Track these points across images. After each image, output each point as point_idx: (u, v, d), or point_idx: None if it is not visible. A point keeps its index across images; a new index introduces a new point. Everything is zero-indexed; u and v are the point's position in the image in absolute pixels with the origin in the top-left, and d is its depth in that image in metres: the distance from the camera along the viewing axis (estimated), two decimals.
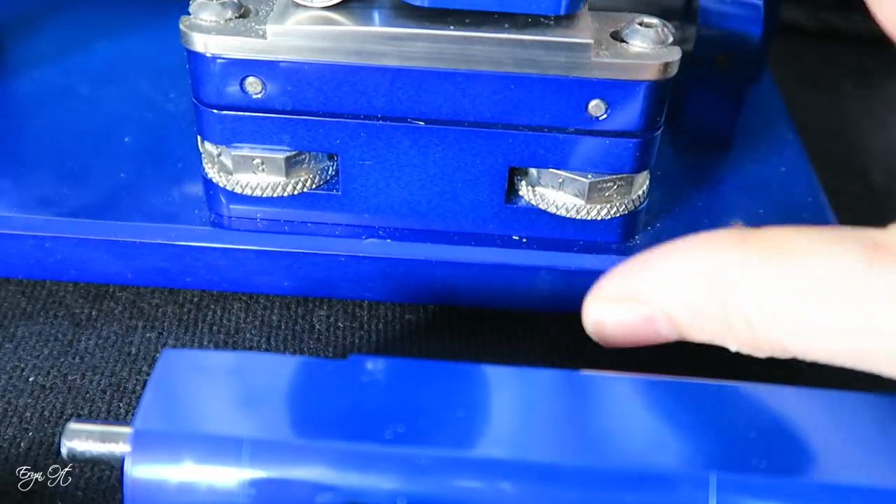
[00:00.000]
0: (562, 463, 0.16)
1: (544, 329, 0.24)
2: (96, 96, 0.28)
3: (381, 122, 0.21)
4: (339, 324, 0.24)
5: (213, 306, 0.24)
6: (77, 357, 0.22)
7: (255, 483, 0.16)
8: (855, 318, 0.16)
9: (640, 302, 0.18)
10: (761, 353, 0.17)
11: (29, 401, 0.21)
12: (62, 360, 0.22)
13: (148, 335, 0.23)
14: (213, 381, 0.18)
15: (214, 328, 0.23)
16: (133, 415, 0.17)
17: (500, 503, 0.16)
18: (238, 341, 0.23)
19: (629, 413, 0.18)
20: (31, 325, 0.23)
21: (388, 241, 0.23)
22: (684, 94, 0.27)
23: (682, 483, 0.16)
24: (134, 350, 0.23)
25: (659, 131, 0.22)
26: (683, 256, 0.18)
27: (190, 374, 0.18)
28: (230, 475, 0.16)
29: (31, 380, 0.22)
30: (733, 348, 0.18)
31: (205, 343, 0.23)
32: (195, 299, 0.24)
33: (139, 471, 0.16)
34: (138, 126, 0.26)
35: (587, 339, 0.24)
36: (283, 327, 0.24)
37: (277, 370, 0.18)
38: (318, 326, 0.24)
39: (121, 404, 0.21)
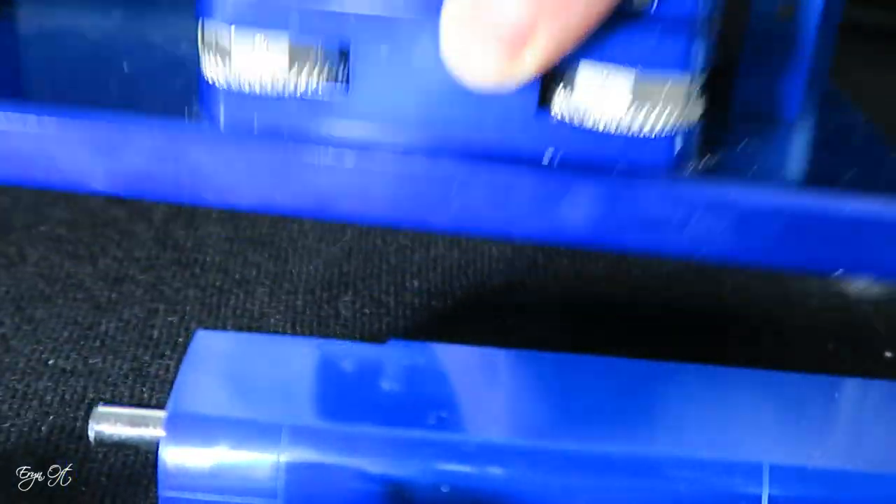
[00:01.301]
0: (610, 450, 0.16)
1: (575, 316, 0.23)
2: None
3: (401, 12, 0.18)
4: (366, 309, 0.23)
5: (235, 290, 0.23)
6: (98, 340, 0.22)
7: (292, 468, 0.16)
8: None
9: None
10: None
11: (49, 384, 0.20)
12: (83, 343, 0.22)
13: (170, 319, 0.22)
14: (248, 363, 0.17)
15: (238, 312, 0.23)
16: (166, 398, 0.17)
17: (547, 491, 0.16)
18: (263, 326, 0.22)
19: (678, 401, 0.17)
20: (49, 307, 0.22)
21: (402, 153, 0.19)
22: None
23: (734, 472, 0.16)
24: (156, 334, 0.22)
25: (713, 23, 0.19)
26: None
27: (223, 355, 0.17)
28: (267, 460, 0.16)
29: (50, 363, 0.21)
30: None
31: (229, 328, 0.22)
32: (217, 283, 0.23)
33: (173, 455, 0.16)
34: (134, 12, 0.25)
35: (621, 325, 0.23)
36: (308, 312, 0.23)
37: (313, 353, 0.17)
38: (343, 312, 0.23)
39: (143, 388, 0.21)
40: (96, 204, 0.25)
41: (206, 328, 0.22)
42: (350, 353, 0.17)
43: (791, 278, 0.25)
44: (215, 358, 0.17)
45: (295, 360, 0.17)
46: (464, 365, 0.17)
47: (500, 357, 0.17)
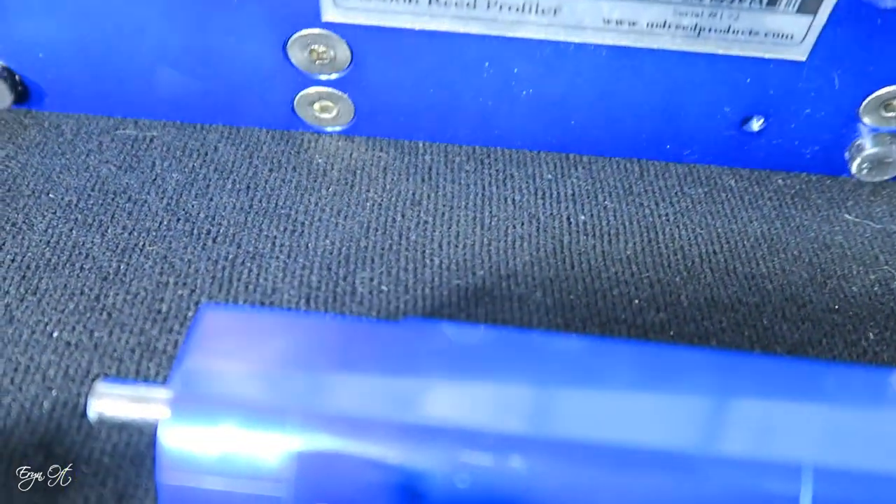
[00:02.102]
0: (641, 445, 0.15)
1: (600, 297, 0.22)
2: None
3: None
4: (383, 287, 0.22)
5: (248, 264, 0.22)
6: (104, 313, 0.21)
7: (300, 457, 0.15)
8: None
9: None
10: None
11: (53, 357, 0.20)
12: (88, 315, 0.21)
13: (180, 292, 0.22)
14: (256, 341, 0.16)
15: (250, 287, 0.22)
16: (167, 376, 0.16)
17: (571, 486, 0.15)
18: (275, 302, 0.22)
19: (713, 392, 0.16)
20: (55, 277, 0.22)
21: None
22: None
23: (773, 473, 0.15)
24: (164, 308, 0.21)
25: None
26: None
27: (230, 332, 0.16)
28: (274, 447, 0.15)
29: (55, 335, 0.20)
30: None
31: (240, 303, 0.21)
32: (230, 256, 0.23)
33: (174, 438, 0.15)
34: None
35: (649, 307, 0.22)
36: (323, 289, 0.22)
37: (324, 330, 0.16)
38: (360, 289, 0.22)
39: (150, 364, 0.20)
40: (108, 171, 0.25)
41: (214, 302, 0.21)
42: (363, 331, 0.16)
43: (829, 262, 0.24)
44: (220, 334, 0.16)
45: (305, 337, 0.16)
46: (482, 347, 0.16)
47: (521, 339, 0.16)
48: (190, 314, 0.21)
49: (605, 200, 0.25)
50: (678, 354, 0.17)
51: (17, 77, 0.25)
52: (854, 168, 0.26)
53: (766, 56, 0.23)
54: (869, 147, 0.25)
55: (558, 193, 0.25)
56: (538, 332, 0.17)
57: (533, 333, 0.17)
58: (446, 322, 0.17)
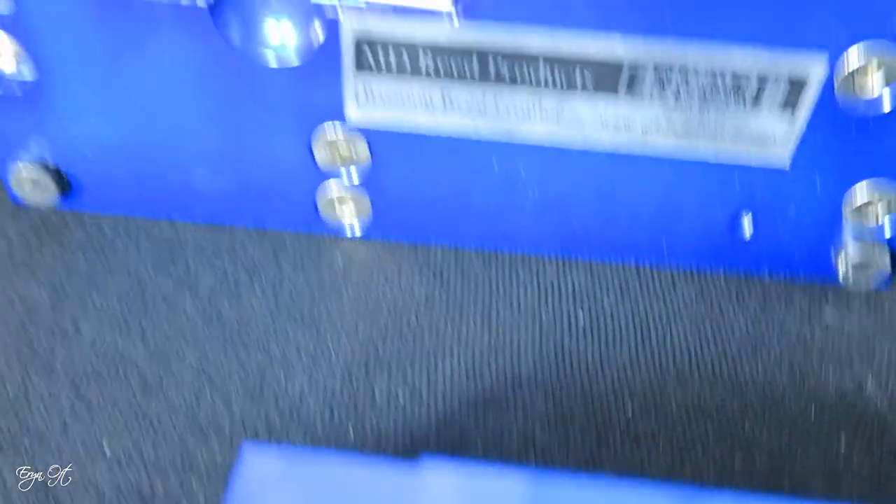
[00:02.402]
0: None
1: (598, 407, 0.25)
2: None
3: None
4: (399, 396, 0.24)
5: (277, 371, 0.25)
6: (149, 425, 0.23)
7: None
8: None
9: None
10: None
11: (104, 472, 0.22)
12: (134, 428, 0.23)
13: (215, 402, 0.24)
14: (296, 484, 0.18)
15: (279, 397, 0.24)
16: (213, 490, 0.18)
17: None
18: (302, 412, 0.24)
19: None
20: (103, 387, 0.24)
21: None
22: None
23: None
24: (202, 418, 0.23)
25: None
26: None
27: (271, 476, 0.19)
28: None
29: (105, 450, 0.22)
30: None
31: (270, 414, 0.24)
32: (260, 362, 0.25)
33: None
34: None
35: (643, 412, 0.24)
36: (345, 396, 0.24)
37: (353, 474, 0.19)
38: (378, 399, 0.24)
39: (192, 479, 0.22)
40: (146, 273, 0.27)
41: (243, 416, 0.23)
42: (387, 474, 0.18)
43: (808, 364, 0.26)
44: (263, 478, 0.18)
45: (337, 481, 0.18)
46: (496, 489, 0.18)
47: (537, 482, 0.19)
48: (225, 426, 0.23)
49: (603, 300, 0.27)
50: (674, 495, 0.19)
51: (64, 176, 0.27)
52: (841, 276, 0.28)
53: (752, 155, 0.25)
54: (852, 253, 0.27)
55: (560, 293, 0.27)
56: (551, 474, 0.19)
57: (546, 475, 0.19)
58: (463, 462, 0.19)
